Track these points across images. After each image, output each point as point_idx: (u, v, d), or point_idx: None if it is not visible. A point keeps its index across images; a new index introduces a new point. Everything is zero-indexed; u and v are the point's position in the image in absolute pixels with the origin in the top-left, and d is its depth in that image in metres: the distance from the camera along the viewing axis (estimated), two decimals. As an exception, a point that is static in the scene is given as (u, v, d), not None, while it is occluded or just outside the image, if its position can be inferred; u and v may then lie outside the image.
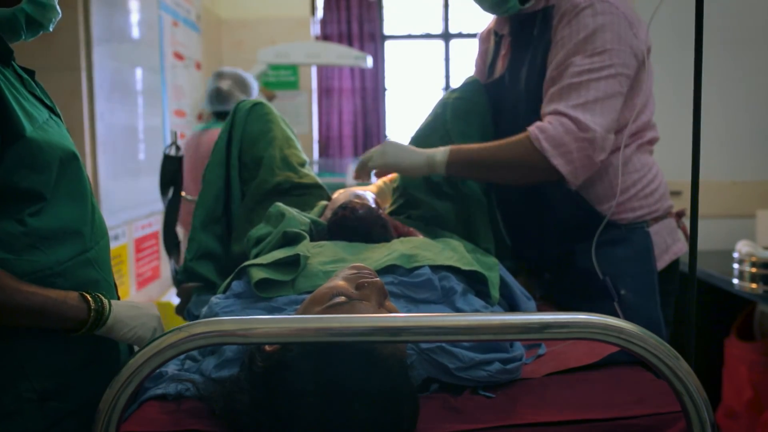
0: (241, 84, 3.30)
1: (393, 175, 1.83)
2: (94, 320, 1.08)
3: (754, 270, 2.33)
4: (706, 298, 2.73)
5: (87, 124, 2.51)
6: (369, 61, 4.39)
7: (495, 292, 1.35)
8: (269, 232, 1.47)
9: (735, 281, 2.40)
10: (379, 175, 1.79)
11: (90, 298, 1.08)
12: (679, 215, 1.75)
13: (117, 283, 1.25)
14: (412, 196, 1.75)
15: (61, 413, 1.08)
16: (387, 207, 1.80)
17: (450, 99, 1.81)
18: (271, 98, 4.18)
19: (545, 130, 1.52)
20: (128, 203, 2.88)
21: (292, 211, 1.52)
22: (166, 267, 3.34)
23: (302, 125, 4.86)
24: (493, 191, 1.80)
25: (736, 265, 2.41)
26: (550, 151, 1.51)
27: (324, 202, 1.69)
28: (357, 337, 0.83)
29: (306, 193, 1.73)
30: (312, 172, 1.81)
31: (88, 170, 2.47)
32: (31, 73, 1.15)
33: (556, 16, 1.59)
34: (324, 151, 5.15)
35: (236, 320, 0.87)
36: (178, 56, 3.67)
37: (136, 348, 1.13)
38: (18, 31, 1.10)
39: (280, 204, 1.54)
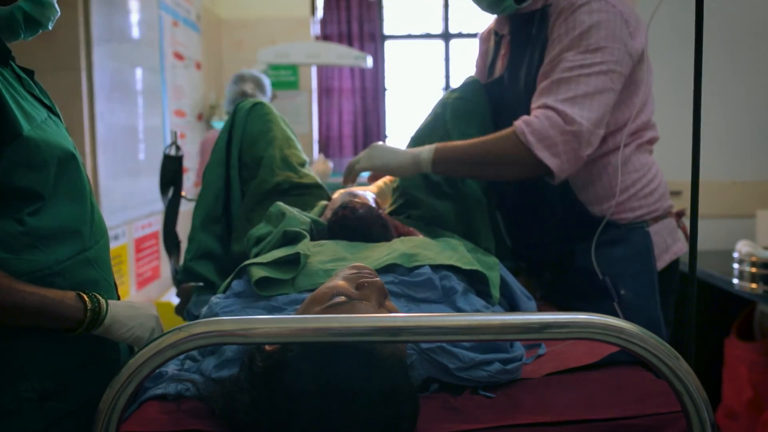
0: (260, 86, 3.50)
1: (390, 177, 1.83)
2: (90, 320, 1.07)
3: (754, 270, 2.33)
4: (706, 298, 2.74)
5: (87, 124, 2.51)
6: (369, 61, 4.39)
7: (496, 292, 1.35)
8: (269, 231, 1.47)
9: (735, 281, 2.40)
10: (371, 179, 1.78)
11: (87, 298, 1.08)
12: (679, 215, 1.74)
13: (117, 283, 1.25)
14: (412, 196, 1.75)
15: (60, 413, 1.08)
16: (387, 207, 1.80)
17: (450, 99, 1.80)
18: (271, 98, 4.19)
19: (531, 123, 1.51)
20: (128, 203, 2.88)
21: (293, 211, 1.51)
22: (166, 267, 3.34)
23: (302, 125, 4.86)
24: (492, 191, 1.79)
25: (736, 265, 2.41)
26: (536, 144, 1.50)
27: (324, 202, 1.69)
28: (357, 337, 0.83)
29: (306, 193, 1.73)
30: (312, 172, 1.82)
31: (88, 170, 2.47)
32: (30, 73, 1.15)
33: (554, 15, 1.59)
34: (324, 151, 5.15)
35: (236, 320, 0.86)
36: (178, 56, 3.67)
37: (136, 348, 1.12)
38: (16, 29, 1.09)
39: (280, 203, 1.54)
